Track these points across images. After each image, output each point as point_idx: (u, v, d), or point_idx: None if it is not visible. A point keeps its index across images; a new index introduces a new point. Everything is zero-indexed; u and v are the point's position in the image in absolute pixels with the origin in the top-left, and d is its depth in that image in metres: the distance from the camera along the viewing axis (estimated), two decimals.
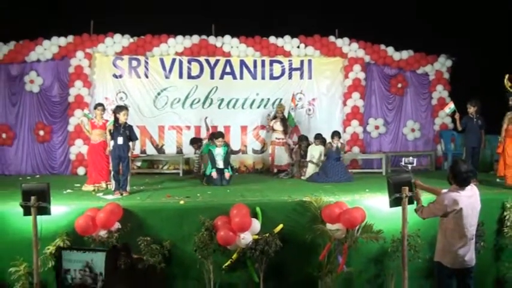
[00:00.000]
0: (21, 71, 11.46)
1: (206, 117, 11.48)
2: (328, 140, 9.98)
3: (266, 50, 11.70)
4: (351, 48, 11.89)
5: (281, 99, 11.70)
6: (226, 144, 9.49)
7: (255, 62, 11.84)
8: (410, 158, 5.70)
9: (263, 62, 11.87)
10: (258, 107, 11.84)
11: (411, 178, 5.33)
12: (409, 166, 5.63)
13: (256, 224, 6.51)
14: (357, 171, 11.07)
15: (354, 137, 11.87)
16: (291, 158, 10.79)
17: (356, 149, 11.80)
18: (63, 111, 11.50)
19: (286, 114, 11.22)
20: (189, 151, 11.45)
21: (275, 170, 10.94)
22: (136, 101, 11.66)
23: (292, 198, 7.13)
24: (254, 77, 11.86)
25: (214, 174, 8.98)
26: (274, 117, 11.08)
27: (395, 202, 5.49)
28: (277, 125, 10.97)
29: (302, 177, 10.06)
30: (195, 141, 10.83)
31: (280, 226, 6.61)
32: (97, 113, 8.73)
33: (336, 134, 9.74)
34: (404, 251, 5.56)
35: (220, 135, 9.33)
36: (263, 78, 11.87)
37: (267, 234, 6.42)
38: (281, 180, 9.99)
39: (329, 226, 6.49)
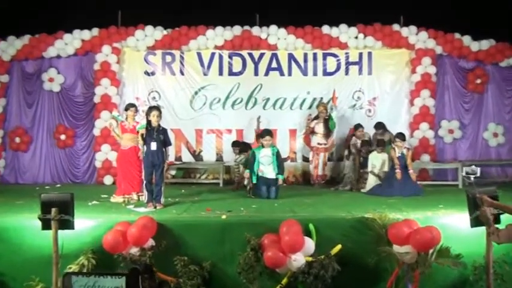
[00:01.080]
0: (39, 68, 11.84)
1: (259, 117, 11.47)
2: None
3: (318, 42, 11.64)
4: (419, 37, 11.68)
5: (336, 99, 11.56)
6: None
7: (305, 55, 11.84)
8: (473, 166, 5.44)
9: (315, 55, 11.84)
10: (310, 107, 11.80)
11: (478, 192, 5.13)
12: (472, 177, 5.38)
13: (309, 244, 6.41)
14: (428, 183, 10.83)
15: (424, 142, 11.62)
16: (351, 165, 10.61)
17: (426, 157, 11.54)
18: (88, 113, 11.81)
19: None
20: (230, 158, 11.52)
21: (316, 181, 10.92)
22: (171, 101, 11.87)
23: (351, 214, 7.01)
24: (304, 73, 11.86)
25: (248, 178, 9.00)
26: (316, 118, 11.09)
27: (477, 221, 5.33)
28: (319, 127, 10.99)
29: (362, 190, 9.91)
30: (238, 145, 10.80)
31: (339, 247, 6.49)
32: (129, 114, 8.85)
33: (399, 137, 9.51)
34: (490, 280, 5.40)
35: (268, 133, 9.19)
36: (315, 74, 11.85)
37: (323, 256, 6.32)
38: (337, 193, 9.88)
39: (396, 248, 6.33)
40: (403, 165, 9.36)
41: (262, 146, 9.11)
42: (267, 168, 9.02)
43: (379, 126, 10.82)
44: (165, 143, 8.11)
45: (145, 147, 8.10)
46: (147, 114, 8.08)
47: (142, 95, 11.86)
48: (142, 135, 8.03)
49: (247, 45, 11.66)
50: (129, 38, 11.65)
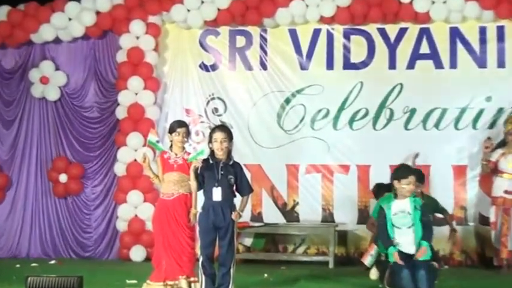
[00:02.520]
0: (24, 61, 12.23)
1: (417, 154, 11.30)
2: None
3: (507, 7, 11.29)
4: None
5: None
6: (417, 195, 9.06)
7: (482, 31, 11.70)
8: None
9: (500, 31, 11.64)
10: (491, 125, 11.59)
11: None
12: None
13: None
14: None
15: None
16: None
17: None
18: (106, 137, 12.04)
19: None
20: (348, 217, 11.47)
21: (505, 262, 10.61)
22: (244, 115, 12.06)
23: None
24: (481, 64, 11.71)
25: (396, 257, 8.53)
26: (502, 144, 11.00)
27: None
28: (507, 163, 10.81)
29: None
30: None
31: None
32: (175, 140, 8.59)
33: None
34: None
35: (409, 171, 8.72)
36: (501, 65, 11.68)
37: None
38: None
39: None
40: None
41: (395, 196, 8.75)
42: (404, 236, 8.52)
43: None
44: (238, 189, 8.04)
45: (203, 195, 8.02)
46: (209, 139, 8.00)
47: (197, 105, 12.09)
48: (196, 170, 7.94)
49: (376, 15, 11.58)
50: (174, 8, 11.76)
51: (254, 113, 12.00)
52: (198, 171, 7.90)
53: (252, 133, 11.95)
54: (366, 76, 11.78)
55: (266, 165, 11.92)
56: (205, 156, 7.93)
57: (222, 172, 7.86)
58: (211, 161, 7.89)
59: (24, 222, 12.11)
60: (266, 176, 11.91)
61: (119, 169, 11.70)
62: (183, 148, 8.59)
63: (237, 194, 8.06)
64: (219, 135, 7.89)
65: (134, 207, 11.55)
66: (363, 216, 11.36)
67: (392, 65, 11.77)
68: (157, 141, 8.84)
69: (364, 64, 11.81)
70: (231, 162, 7.96)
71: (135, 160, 11.20)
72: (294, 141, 11.93)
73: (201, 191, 8.04)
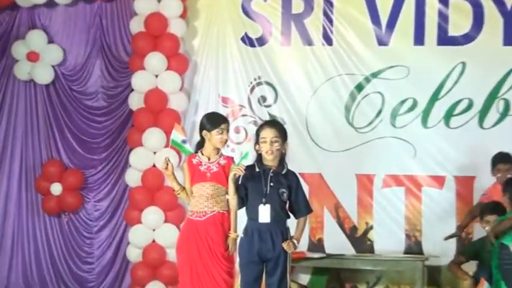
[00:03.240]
0: (5, 31, 12.25)
1: None
2: None
3: None
4: None
5: None
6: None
7: None
8: None
9: None
10: None
11: None
12: None
13: None
14: None
15: None
16: None
17: None
18: (115, 135, 11.90)
19: None
20: (441, 248, 11.08)
21: None
22: (301, 107, 11.80)
23: None
24: None
25: None
26: None
27: None
28: None
29: None
30: None
31: None
32: (216, 140, 8.41)
33: None
34: None
35: None
36: None
37: None
38: None
39: None
40: None
41: None
42: None
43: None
44: (293, 207, 7.88)
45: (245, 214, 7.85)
46: (255, 139, 7.80)
47: (238, 93, 11.96)
48: (237, 181, 7.79)
49: None
50: None
51: (314, 104, 11.77)
52: (239, 182, 7.76)
53: (311, 131, 11.70)
54: (470, 55, 11.43)
55: (330, 175, 11.68)
56: (249, 162, 7.79)
57: (272, 184, 7.75)
58: (257, 169, 7.78)
59: (3, 247, 12.05)
60: (329, 190, 11.67)
61: (132, 178, 11.48)
62: (218, 150, 8.40)
63: (290, 214, 7.95)
64: (268, 134, 7.77)
65: (151, 230, 11.32)
66: (464, 247, 11.03)
67: (508, 40, 11.38)
68: (184, 141, 8.71)
69: (467, 38, 11.45)
70: (284, 171, 7.85)
71: (154, 166, 11.03)
72: (368, 143, 11.68)
73: (243, 209, 7.88)
